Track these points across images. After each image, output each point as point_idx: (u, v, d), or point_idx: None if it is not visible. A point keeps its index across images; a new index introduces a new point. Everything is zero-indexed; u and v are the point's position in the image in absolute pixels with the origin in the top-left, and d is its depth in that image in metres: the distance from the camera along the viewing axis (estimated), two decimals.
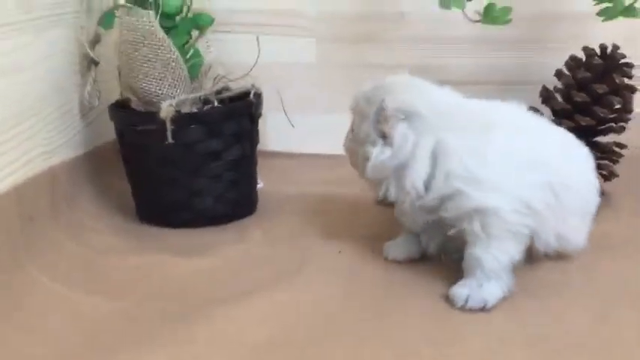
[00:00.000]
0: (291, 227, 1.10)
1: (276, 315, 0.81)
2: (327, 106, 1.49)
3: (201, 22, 1.16)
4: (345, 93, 1.48)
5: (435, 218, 0.88)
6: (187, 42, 1.15)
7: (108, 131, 1.20)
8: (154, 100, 1.09)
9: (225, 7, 1.38)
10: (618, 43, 1.25)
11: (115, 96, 1.20)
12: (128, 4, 1.07)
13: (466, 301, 0.83)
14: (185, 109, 1.08)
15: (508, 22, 1.20)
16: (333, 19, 1.44)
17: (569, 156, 0.92)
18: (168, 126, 1.02)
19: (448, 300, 0.84)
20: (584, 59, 1.24)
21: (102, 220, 1.11)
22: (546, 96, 1.25)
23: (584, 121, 1.16)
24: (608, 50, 1.23)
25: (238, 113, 1.10)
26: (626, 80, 1.20)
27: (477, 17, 1.23)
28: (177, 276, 0.92)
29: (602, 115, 1.17)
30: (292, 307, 0.83)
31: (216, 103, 1.11)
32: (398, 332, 0.77)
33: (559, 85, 1.26)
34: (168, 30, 1.09)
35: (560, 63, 1.30)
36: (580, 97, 1.18)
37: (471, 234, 0.84)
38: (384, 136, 0.89)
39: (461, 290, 0.84)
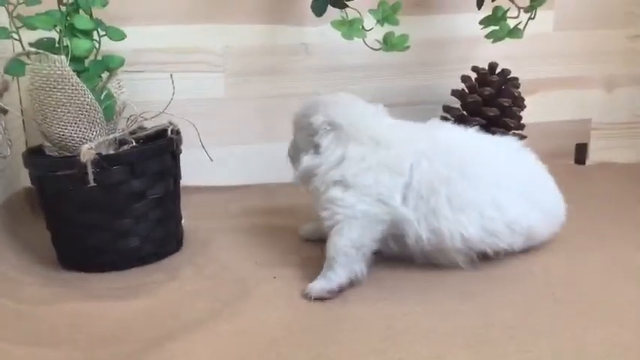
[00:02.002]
0: (221, 260, 1.11)
1: (224, 346, 0.82)
2: (239, 138, 1.52)
3: (111, 64, 1.15)
4: (256, 124, 1.53)
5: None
6: (98, 84, 1.14)
7: (19, 180, 1.16)
8: (70, 144, 1.07)
9: (134, 48, 1.38)
10: (499, 62, 1.40)
11: (21, 144, 1.17)
12: (37, 50, 1.05)
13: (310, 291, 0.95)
14: (103, 151, 1.07)
15: (406, 48, 1.29)
16: (239, 54, 1.48)
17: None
18: (90, 169, 1.00)
19: None
20: (476, 77, 1.37)
21: (25, 270, 1.07)
22: (452, 113, 1.37)
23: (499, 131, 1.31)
24: (498, 69, 1.38)
25: (160, 151, 1.11)
26: (515, 92, 1.35)
27: (378, 45, 1.32)
28: (117, 319, 0.91)
29: (512, 125, 1.35)
30: (239, 337, 0.84)
31: (133, 143, 1.11)
32: (348, 346, 0.81)
33: (457, 103, 1.38)
34: (79, 73, 1.08)
35: (453, 83, 1.42)
36: (492, 111, 1.34)
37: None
38: (316, 146, 1.05)
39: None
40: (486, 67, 1.40)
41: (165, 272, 1.08)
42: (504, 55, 1.45)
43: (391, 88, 1.53)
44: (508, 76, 1.39)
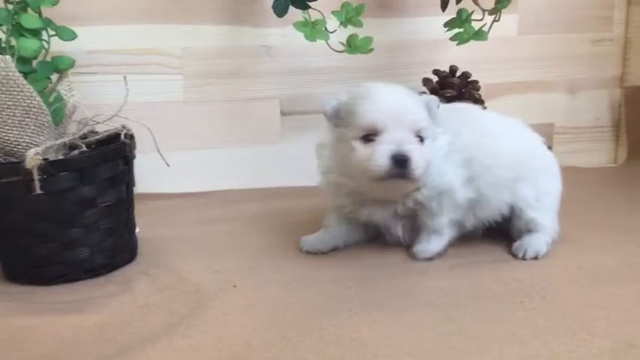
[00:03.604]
0: (178, 270, 1.06)
1: None
2: (199, 143, 1.47)
3: (61, 65, 1.10)
4: (216, 129, 1.49)
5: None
6: (47, 86, 1.08)
7: None
8: (15, 149, 1.01)
9: (86, 49, 1.32)
10: (463, 65, 1.40)
11: None
12: None
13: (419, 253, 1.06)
14: (51, 157, 1.01)
15: (370, 51, 1.26)
16: (198, 56, 1.43)
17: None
18: (36, 176, 0.94)
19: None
20: (437, 80, 1.36)
21: None
22: None
23: None
24: (458, 72, 1.37)
25: (111, 156, 1.05)
26: (476, 94, 1.34)
27: (342, 48, 1.29)
28: (64, 336, 0.85)
29: None
30: (196, 354, 0.79)
31: (83, 148, 1.06)
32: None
33: None
34: (25, 75, 1.02)
35: (417, 86, 1.40)
36: None
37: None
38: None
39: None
40: (447, 70, 1.39)
41: (117, 284, 1.02)
42: (468, 58, 1.44)
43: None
44: (469, 79, 1.39)
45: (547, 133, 1.67)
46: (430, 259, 1.07)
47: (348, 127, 1.00)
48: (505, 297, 0.93)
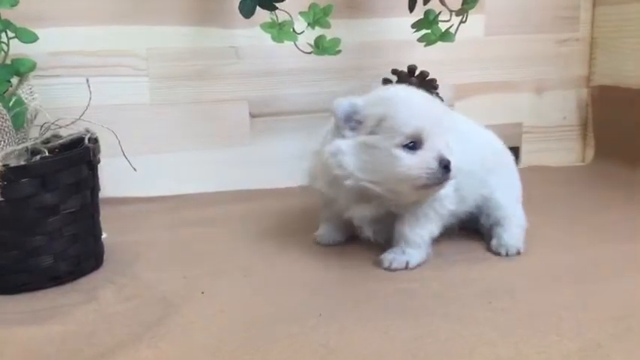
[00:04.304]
0: (145, 277, 1.04)
1: None
2: (167, 146, 1.45)
3: (21, 69, 1.07)
4: (184, 131, 1.46)
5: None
6: (7, 90, 1.05)
7: None
8: None
9: (49, 50, 1.29)
10: (430, 66, 1.40)
11: None
12: None
13: (391, 262, 1.03)
14: (12, 162, 0.98)
15: (338, 52, 1.26)
16: (165, 57, 1.41)
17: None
18: None
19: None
20: (397, 80, 1.37)
21: None
22: None
23: None
24: (417, 71, 1.39)
25: (74, 161, 1.02)
26: (433, 93, 1.38)
27: (310, 49, 1.28)
28: (27, 346, 0.82)
29: None
30: None
31: (46, 153, 1.03)
32: None
33: None
34: None
35: (375, 84, 1.41)
36: None
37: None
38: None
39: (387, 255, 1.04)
40: (405, 70, 1.40)
41: (82, 293, 0.99)
42: (436, 59, 1.45)
43: (324, 92, 1.50)
44: (426, 78, 1.41)
45: (515, 133, 1.69)
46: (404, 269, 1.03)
47: (381, 133, 0.98)
48: (473, 298, 0.93)
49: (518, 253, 1.09)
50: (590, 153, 1.74)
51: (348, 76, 1.51)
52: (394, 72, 1.43)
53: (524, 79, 1.67)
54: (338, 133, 1.01)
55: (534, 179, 1.56)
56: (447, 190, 1.03)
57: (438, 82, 1.44)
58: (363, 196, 1.02)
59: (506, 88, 1.66)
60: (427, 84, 1.40)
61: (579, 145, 1.77)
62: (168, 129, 1.44)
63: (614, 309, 0.88)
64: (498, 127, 1.64)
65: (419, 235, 1.04)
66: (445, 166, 0.96)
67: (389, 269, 1.03)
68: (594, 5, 1.69)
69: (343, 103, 0.99)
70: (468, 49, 1.58)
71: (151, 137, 1.43)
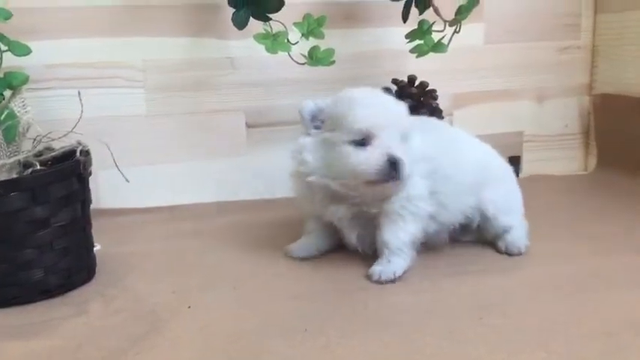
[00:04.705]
0: (136, 290, 1.03)
1: None
2: (161, 156, 1.45)
3: (14, 82, 1.08)
4: (180, 142, 1.46)
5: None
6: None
7: None
8: None
9: (42, 63, 1.30)
10: (429, 75, 1.38)
11: None
12: None
13: (380, 275, 1.01)
14: (3, 176, 0.99)
15: (332, 63, 1.25)
16: (161, 69, 1.41)
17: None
18: None
19: None
20: (396, 89, 1.37)
21: None
22: None
23: None
24: (417, 81, 1.39)
25: (64, 175, 1.02)
26: (434, 104, 1.35)
27: (303, 60, 1.27)
28: None
29: None
30: None
31: (38, 166, 1.03)
32: None
33: None
34: None
35: None
36: None
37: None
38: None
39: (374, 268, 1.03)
40: (405, 80, 1.39)
41: (72, 306, 0.99)
42: (433, 68, 1.44)
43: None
44: (426, 88, 1.40)
45: (516, 142, 1.68)
46: (392, 281, 1.02)
47: (337, 131, 1.02)
48: (464, 312, 0.92)
49: (520, 253, 1.12)
50: (593, 161, 1.72)
51: (344, 87, 1.48)
52: (394, 82, 1.42)
53: (524, 88, 1.65)
54: (305, 132, 1.06)
55: (536, 188, 1.55)
56: (419, 191, 1.04)
57: (437, 92, 1.43)
58: (334, 196, 1.04)
59: (506, 96, 1.65)
60: (427, 94, 1.40)
61: (582, 154, 1.75)
62: (165, 140, 1.44)
63: (606, 324, 0.87)
64: (499, 135, 1.65)
65: (399, 238, 1.05)
66: (393, 164, 0.97)
67: (379, 282, 1.02)
68: (596, 13, 1.67)
69: (309, 104, 1.06)
70: (467, 58, 1.57)
71: (148, 148, 1.43)
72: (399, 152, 0.98)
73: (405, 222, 1.05)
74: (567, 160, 1.74)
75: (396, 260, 1.04)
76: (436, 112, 1.38)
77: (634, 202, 1.42)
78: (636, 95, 1.57)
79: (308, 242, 1.15)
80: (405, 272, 1.04)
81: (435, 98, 1.40)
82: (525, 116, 1.68)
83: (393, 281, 1.02)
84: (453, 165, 1.09)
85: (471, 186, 1.11)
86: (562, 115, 1.71)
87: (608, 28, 1.65)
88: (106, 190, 1.38)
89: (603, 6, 1.66)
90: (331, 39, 1.31)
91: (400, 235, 1.05)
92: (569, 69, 1.68)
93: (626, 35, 1.60)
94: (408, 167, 0.99)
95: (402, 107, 1.05)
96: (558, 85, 1.68)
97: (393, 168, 0.98)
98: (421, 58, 1.33)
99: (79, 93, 1.08)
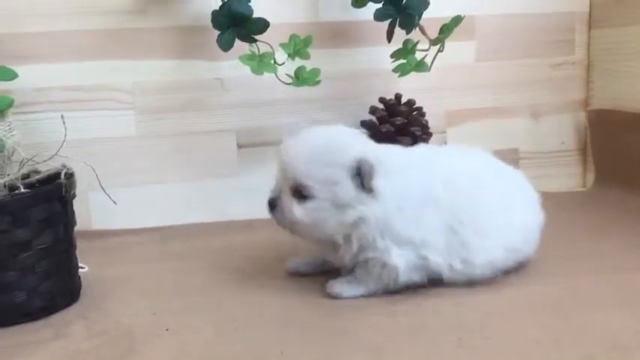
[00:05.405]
0: (117, 313, 1.03)
1: None
2: (152, 177, 1.46)
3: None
4: (170, 163, 1.47)
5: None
6: None
7: None
8: None
9: (31, 86, 1.31)
10: (419, 94, 1.39)
11: None
12: None
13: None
14: None
15: (317, 83, 1.26)
16: (150, 91, 1.42)
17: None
18: None
19: None
20: (383, 108, 1.39)
21: None
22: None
23: None
24: (403, 99, 1.40)
25: (46, 197, 1.03)
26: (423, 121, 1.35)
27: (290, 80, 1.28)
28: None
29: None
30: None
31: (22, 189, 1.04)
32: None
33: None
34: None
35: (362, 113, 1.42)
36: (405, 140, 1.33)
37: None
38: (370, 191, 0.95)
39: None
40: (393, 98, 1.40)
41: (53, 329, 0.99)
42: (424, 86, 1.44)
43: (312, 122, 1.48)
44: (414, 106, 1.40)
45: (512, 159, 1.66)
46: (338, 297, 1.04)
47: None
48: (443, 333, 0.90)
49: None
50: (591, 178, 1.70)
51: (334, 106, 1.50)
52: (381, 100, 1.42)
53: (517, 105, 1.64)
54: None
55: None
56: (396, 261, 0.99)
57: (427, 110, 1.43)
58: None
59: (500, 113, 1.64)
60: (415, 112, 1.40)
61: (579, 170, 1.73)
62: (155, 161, 1.45)
63: (586, 346, 0.85)
64: (494, 153, 1.63)
65: (374, 282, 1.04)
66: (269, 205, 1.03)
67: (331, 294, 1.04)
68: (590, 28, 1.66)
69: None
70: (459, 76, 1.56)
71: (138, 169, 1.44)
72: (278, 196, 1.02)
73: (368, 283, 1.04)
74: (565, 177, 1.72)
75: (355, 285, 1.04)
76: (425, 130, 1.37)
77: (631, 220, 1.39)
78: (633, 110, 1.55)
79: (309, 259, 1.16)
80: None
81: (423, 115, 1.40)
82: (520, 133, 1.66)
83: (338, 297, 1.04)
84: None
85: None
86: (558, 131, 1.69)
87: (602, 44, 1.64)
88: (97, 211, 1.39)
89: (597, 22, 1.65)
90: (320, 58, 1.31)
91: (362, 288, 1.04)
92: (563, 85, 1.67)
93: (620, 51, 1.59)
94: (290, 217, 0.99)
95: (307, 156, 0.97)
96: (553, 101, 1.67)
97: (270, 209, 1.03)
98: (413, 77, 1.33)
99: (62, 116, 1.09)
